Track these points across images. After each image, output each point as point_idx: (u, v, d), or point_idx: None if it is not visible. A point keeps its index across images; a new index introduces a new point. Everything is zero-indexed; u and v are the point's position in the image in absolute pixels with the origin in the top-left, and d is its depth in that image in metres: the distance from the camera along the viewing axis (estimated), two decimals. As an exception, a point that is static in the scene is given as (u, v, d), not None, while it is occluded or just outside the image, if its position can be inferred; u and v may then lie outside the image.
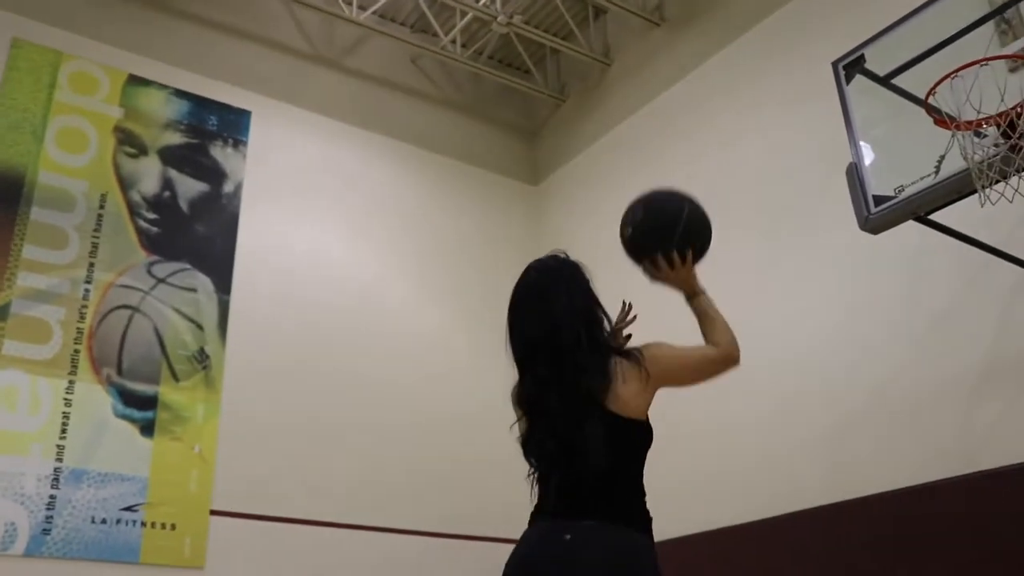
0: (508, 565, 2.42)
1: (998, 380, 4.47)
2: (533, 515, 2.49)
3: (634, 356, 2.49)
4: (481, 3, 7.36)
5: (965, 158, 3.41)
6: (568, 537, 2.33)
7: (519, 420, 2.57)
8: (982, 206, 3.35)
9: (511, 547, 2.47)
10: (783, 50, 6.04)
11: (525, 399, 2.53)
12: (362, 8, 7.44)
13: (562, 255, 2.67)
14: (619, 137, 7.51)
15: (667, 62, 7.18)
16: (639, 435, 2.47)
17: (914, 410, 4.74)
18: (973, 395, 4.52)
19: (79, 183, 6.10)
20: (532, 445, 2.51)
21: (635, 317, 2.82)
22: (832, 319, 5.32)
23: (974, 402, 4.51)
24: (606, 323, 2.59)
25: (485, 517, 6.61)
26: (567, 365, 2.45)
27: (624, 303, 2.81)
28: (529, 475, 2.52)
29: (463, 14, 7.61)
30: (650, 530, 2.41)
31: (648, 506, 2.46)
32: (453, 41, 7.81)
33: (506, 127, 8.58)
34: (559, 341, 2.48)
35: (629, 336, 2.80)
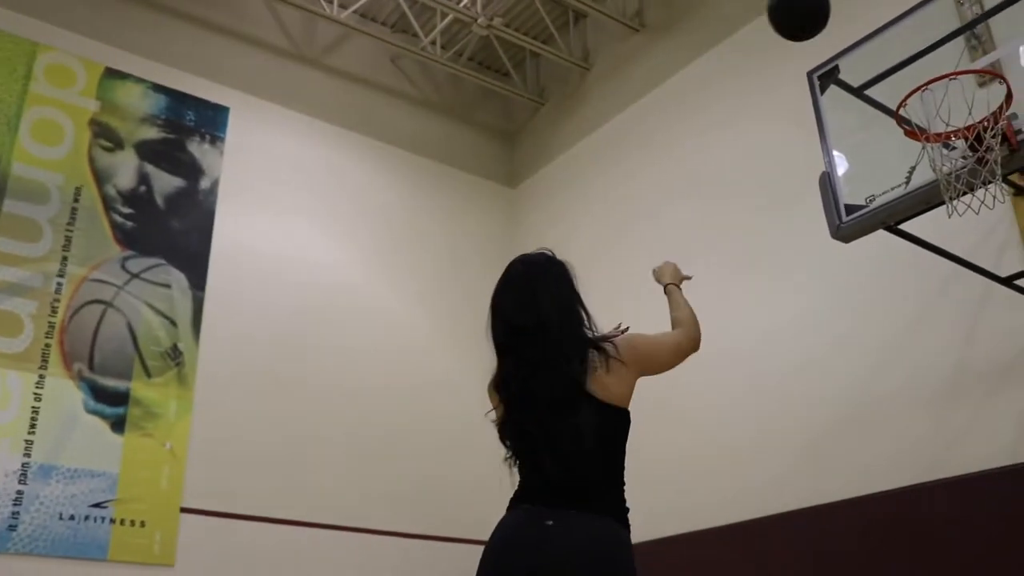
0: (487, 550, 2.43)
1: (966, 387, 4.53)
2: (513, 501, 2.50)
3: (611, 346, 2.53)
4: (462, 5, 7.37)
5: (934, 169, 3.45)
6: (550, 523, 2.35)
7: (496, 407, 2.59)
8: (949, 216, 3.40)
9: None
10: (760, 58, 6.09)
11: (505, 383, 2.56)
12: (343, 7, 7.44)
13: (549, 252, 2.71)
14: (597, 141, 7.54)
15: (646, 67, 7.22)
16: (622, 423, 2.51)
17: (884, 417, 4.80)
18: (942, 402, 4.58)
19: (54, 176, 6.05)
20: (513, 429, 2.53)
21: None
22: (803, 326, 5.37)
23: (943, 409, 4.57)
24: (587, 319, 2.62)
25: (460, 518, 6.62)
26: (551, 351, 2.48)
27: (620, 325, 2.87)
28: (507, 459, 2.55)
29: (444, 15, 7.62)
30: (628, 523, 2.45)
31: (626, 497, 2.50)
32: (433, 42, 7.82)
33: (485, 129, 8.59)
34: (544, 328, 2.51)
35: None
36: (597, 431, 2.44)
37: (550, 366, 2.47)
